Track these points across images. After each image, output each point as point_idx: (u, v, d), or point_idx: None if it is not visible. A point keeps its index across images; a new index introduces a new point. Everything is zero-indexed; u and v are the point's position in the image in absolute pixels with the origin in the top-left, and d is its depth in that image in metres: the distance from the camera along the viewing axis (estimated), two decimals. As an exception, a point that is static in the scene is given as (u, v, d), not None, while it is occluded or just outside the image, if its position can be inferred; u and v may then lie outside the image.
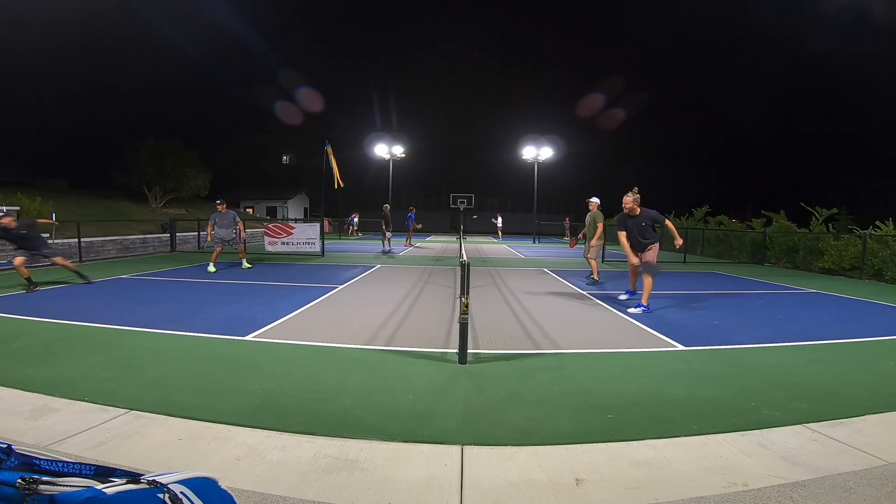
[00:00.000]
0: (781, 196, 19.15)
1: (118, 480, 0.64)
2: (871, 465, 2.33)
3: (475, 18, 50.50)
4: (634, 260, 6.29)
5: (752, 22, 35.68)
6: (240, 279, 8.52)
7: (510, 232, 27.91)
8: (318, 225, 13.61)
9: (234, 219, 9.74)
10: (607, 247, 14.59)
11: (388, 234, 15.42)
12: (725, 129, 38.23)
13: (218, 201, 9.82)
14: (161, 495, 0.64)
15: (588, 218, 8.87)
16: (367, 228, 27.91)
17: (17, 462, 0.65)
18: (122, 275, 8.73)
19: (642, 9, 41.64)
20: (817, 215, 12.81)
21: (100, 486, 0.61)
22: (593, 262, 8.75)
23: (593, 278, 8.66)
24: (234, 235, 9.72)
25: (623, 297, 6.95)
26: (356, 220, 26.12)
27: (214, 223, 9.56)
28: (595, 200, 8.77)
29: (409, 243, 18.81)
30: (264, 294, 6.95)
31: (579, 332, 5.10)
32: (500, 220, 27.31)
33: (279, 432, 2.58)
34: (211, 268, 9.35)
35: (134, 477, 0.65)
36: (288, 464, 2.26)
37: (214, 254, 9.61)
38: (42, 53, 23.51)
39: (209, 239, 9.70)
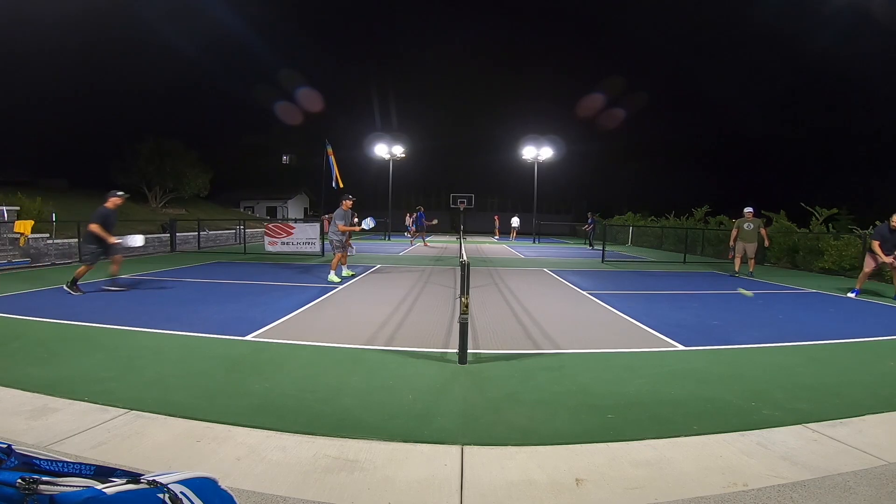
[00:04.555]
0: (781, 196, 19.09)
1: (118, 480, 0.64)
2: (871, 465, 2.33)
3: (475, 18, 50.47)
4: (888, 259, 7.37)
5: (753, 21, 35.65)
6: (240, 279, 8.52)
7: (506, 231, 27.87)
8: (318, 225, 13.63)
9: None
10: (608, 247, 14.60)
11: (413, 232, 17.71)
12: (725, 129, 38.17)
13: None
14: (161, 495, 0.64)
15: (748, 224, 10.07)
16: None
17: (17, 462, 0.65)
18: (122, 275, 8.70)
19: (642, 9, 41.63)
20: (817, 215, 12.79)
21: (100, 486, 0.61)
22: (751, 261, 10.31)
23: (750, 273, 10.21)
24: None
25: (851, 295, 7.70)
26: (412, 221, 21.66)
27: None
28: (751, 209, 10.20)
29: (416, 243, 18.98)
30: (264, 294, 6.95)
31: (579, 332, 5.10)
32: (497, 220, 27.38)
33: (279, 432, 2.58)
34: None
35: (134, 477, 0.65)
36: (288, 464, 2.26)
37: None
38: (42, 53, 23.48)
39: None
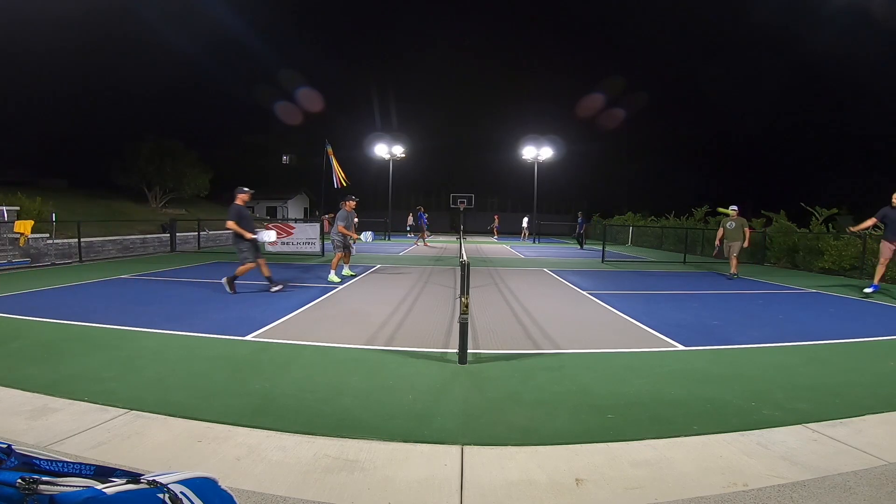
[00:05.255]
0: (781, 196, 19.09)
1: (118, 480, 0.64)
2: (871, 465, 2.33)
3: (475, 18, 50.45)
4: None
5: (753, 21, 35.65)
6: (240, 279, 8.50)
7: (506, 232, 27.87)
8: (318, 225, 13.65)
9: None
10: (608, 247, 14.59)
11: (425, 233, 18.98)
12: (725, 129, 38.19)
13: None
14: (161, 495, 0.64)
15: (730, 223, 9.91)
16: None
17: (17, 462, 0.65)
18: (122, 275, 8.73)
19: (642, 8, 41.62)
20: (817, 215, 12.79)
21: (100, 486, 0.61)
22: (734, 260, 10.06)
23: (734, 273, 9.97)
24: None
25: (868, 290, 7.73)
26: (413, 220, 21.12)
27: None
28: (736, 208, 10.07)
29: (420, 243, 18.96)
30: (264, 294, 6.95)
31: (579, 332, 5.10)
32: (497, 220, 27.35)
33: (279, 432, 2.58)
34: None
35: (134, 477, 0.65)
36: (288, 464, 2.26)
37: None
38: (42, 53, 23.48)
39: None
